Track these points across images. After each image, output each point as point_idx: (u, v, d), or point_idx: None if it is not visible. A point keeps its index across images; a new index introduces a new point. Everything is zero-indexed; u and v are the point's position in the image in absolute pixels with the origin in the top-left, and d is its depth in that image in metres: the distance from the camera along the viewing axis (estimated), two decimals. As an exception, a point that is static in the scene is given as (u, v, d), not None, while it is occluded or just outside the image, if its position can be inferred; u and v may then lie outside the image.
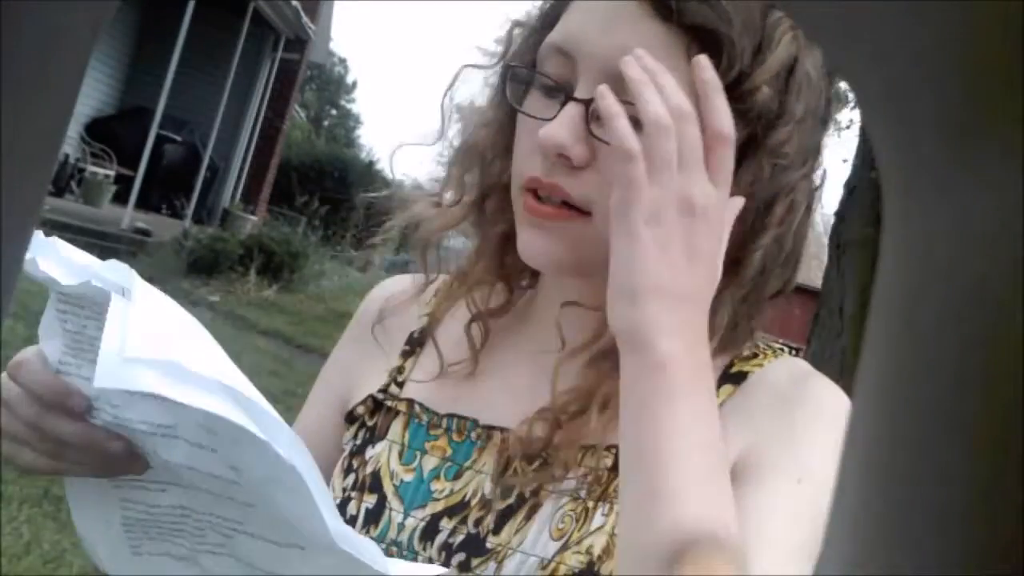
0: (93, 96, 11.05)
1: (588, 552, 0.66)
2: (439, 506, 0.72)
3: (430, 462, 0.74)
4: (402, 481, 0.73)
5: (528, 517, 0.69)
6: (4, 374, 0.65)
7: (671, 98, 0.58)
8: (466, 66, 0.78)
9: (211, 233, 9.67)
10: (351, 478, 0.76)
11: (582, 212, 0.66)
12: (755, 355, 0.72)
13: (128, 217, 8.86)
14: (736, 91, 0.63)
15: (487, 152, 0.75)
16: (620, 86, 0.61)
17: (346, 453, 0.78)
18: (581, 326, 0.71)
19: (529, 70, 0.70)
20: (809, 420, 0.66)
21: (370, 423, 0.78)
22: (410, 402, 0.77)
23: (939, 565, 0.11)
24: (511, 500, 0.70)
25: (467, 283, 0.79)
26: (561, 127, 0.64)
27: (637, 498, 0.54)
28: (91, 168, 10.20)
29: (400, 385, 0.79)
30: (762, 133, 0.66)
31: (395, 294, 0.85)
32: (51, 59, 0.15)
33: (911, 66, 0.12)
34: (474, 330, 0.78)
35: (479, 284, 0.79)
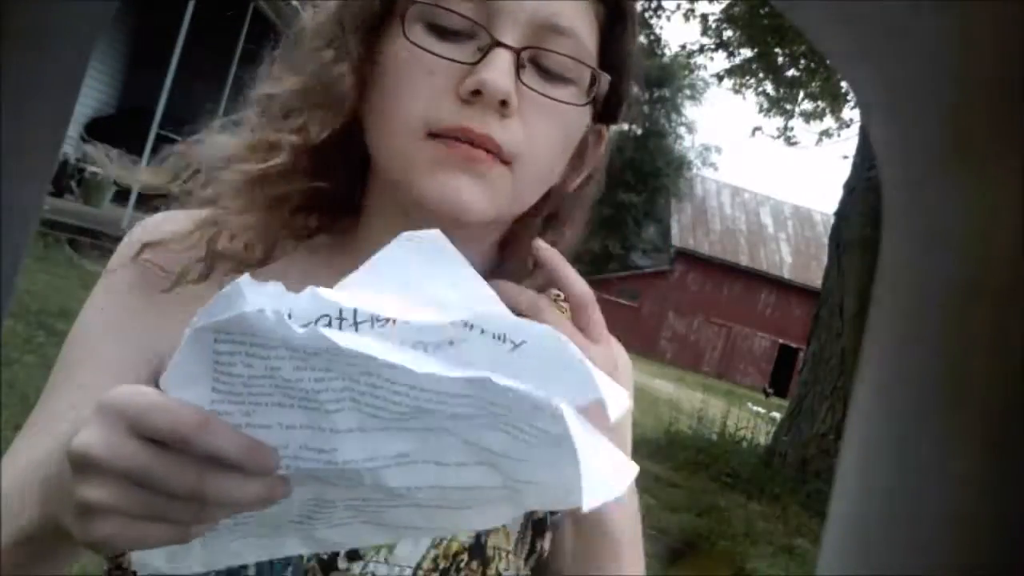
0: (93, 96, 11.04)
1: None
2: None
3: None
4: None
5: None
6: (135, 444, 0.47)
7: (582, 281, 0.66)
8: None
9: (211, 233, 9.66)
10: None
11: (505, 162, 0.65)
12: (556, 298, 0.78)
13: (128, 217, 8.85)
14: (627, 62, 0.71)
15: (342, 96, 0.66)
16: (542, 36, 0.65)
17: None
18: None
19: (435, 7, 0.64)
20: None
21: None
22: None
23: (939, 565, 0.11)
24: None
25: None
26: (503, 75, 0.62)
27: None
28: (91, 168, 10.20)
29: None
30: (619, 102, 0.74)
31: (178, 243, 0.69)
32: (51, 59, 0.15)
33: (911, 66, 0.12)
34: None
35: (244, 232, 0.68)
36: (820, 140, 12.73)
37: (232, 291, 0.47)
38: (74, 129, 10.26)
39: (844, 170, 8.46)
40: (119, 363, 0.67)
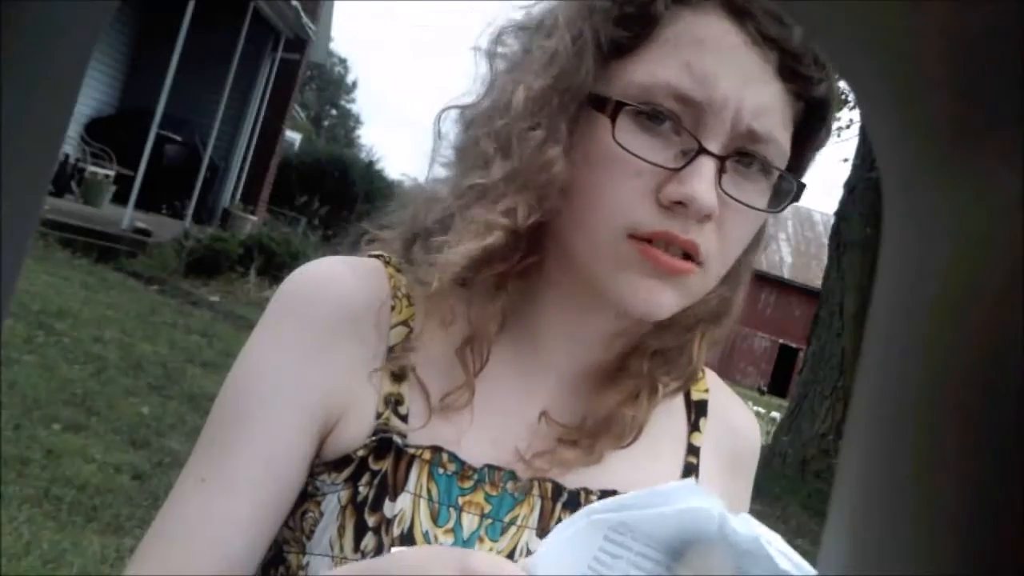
0: (93, 96, 11.04)
1: None
2: None
3: (469, 521, 0.68)
4: (441, 544, 0.67)
5: None
6: None
7: None
8: (521, 85, 0.68)
9: (211, 233, 9.67)
10: (371, 539, 0.66)
11: (699, 264, 0.66)
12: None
13: (128, 217, 8.85)
14: (812, 158, 0.72)
15: (552, 180, 0.66)
16: (744, 141, 0.65)
17: (344, 502, 0.67)
18: (587, 349, 0.73)
19: (650, 109, 0.64)
20: (749, 485, 0.82)
21: (376, 467, 0.67)
22: (435, 449, 0.68)
23: (939, 565, 0.11)
24: None
25: (461, 299, 0.70)
26: (710, 189, 0.63)
27: None
28: (91, 168, 10.20)
29: (403, 419, 0.69)
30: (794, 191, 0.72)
31: (352, 290, 0.71)
32: (51, 59, 0.15)
33: (911, 66, 0.12)
34: (471, 354, 0.70)
35: (477, 299, 0.70)
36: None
37: (672, 490, 0.48)
38: (74, 129, 10.26)
39: (844, 170, 8.46)
40: (294, 402, 0.68)
